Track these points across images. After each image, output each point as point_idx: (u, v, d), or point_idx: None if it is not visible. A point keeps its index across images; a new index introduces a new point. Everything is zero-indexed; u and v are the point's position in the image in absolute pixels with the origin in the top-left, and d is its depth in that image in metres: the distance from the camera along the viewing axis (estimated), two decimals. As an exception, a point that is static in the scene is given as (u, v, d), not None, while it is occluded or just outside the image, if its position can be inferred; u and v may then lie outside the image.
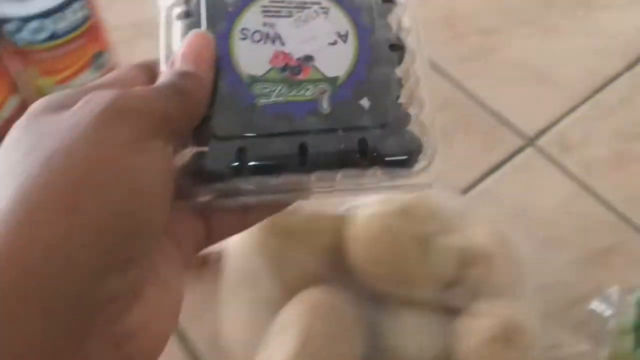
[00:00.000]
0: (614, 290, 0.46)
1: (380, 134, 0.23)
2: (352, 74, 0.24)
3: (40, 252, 0.16)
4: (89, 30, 0.54)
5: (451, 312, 0.37)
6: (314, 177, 0.23)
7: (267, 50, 0.24)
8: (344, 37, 0.24)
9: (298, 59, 0.24)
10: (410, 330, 0.36)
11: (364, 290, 0.37)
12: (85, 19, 0.53)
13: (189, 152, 0.23)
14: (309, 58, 0.24)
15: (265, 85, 0.23)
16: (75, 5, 0.52)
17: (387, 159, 0.23)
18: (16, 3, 0.51)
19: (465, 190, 0.55)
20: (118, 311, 0.18)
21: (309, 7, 0.24)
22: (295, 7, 0.24)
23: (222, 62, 0.23)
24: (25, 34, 0.51)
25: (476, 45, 0.67)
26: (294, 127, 0.23)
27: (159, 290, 0.20)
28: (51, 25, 0.51)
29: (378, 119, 0.23)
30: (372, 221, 0.37)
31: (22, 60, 0.55)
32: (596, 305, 0.47)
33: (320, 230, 0.39)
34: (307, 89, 0.23)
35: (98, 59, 0.57)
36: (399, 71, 0.24)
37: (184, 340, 0.48)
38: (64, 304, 0.16)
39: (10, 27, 0.51)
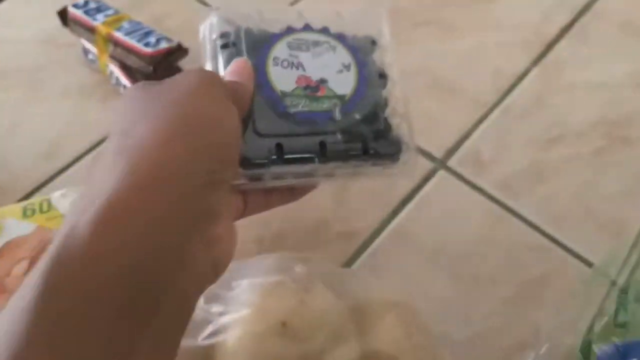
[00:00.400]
0: (545, 347, 0.41)
1: (375, 137, 0.34)
2: (355, 93, 0.35)
3: (170, 165, 0.24)
4: None
5: None
6: (328, 166, 0.33)
7: (293, 74, 0.34)
8: (347, 67, 0.35)
9: (316, 81, 0.34)
10: None
11: None
12: None
13: None
14: (324, 80, 0.34)
15: (293, 99, 0.33)
16: None
17: (380, 155, 0.34)
18: None
19: (375, 235, 0.49)
20: (210, 220, 0.26)
21: (321, 45, 0.35)
22: (312, 44, 0.35)
23: (260, 81, 0.33)
24: None
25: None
26: (316, 129, 0.33)
27: (228, 217, 0.28)
28: None
29: (373, 126, 0.34)
30: (246, 346, 0.29)
31: None
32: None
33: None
34: (324, 102, 0.34)
35: None
36: (384, 92, 0.35)
37: None
38: (179, 207, 0.24)
39: None
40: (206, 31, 0.34)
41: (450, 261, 0.48)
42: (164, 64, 0.53)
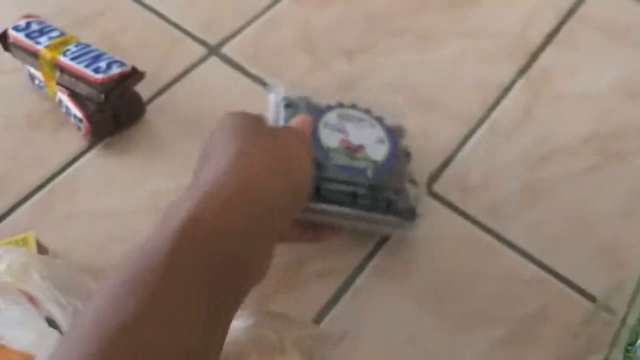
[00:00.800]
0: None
1: (398, 197, 0.43)
2: (385, 161, 0.44)
3: (274, 189, 0.33)
4: None
5: None
6: (355, 212, 0.42)
7: (339, 136, 0.44)
8: (382, 142, 0.45)
9: (355, 145, 0.44)
10: None
11: None
12: None
13: None
14: (362, 147, 0.44)
15: (335, 154, 0.43)
16: None
17: (399, 212, 0.44)
18: None
19: (356, 273, 0.45)
20: (279, 237, 0.35)
21: (364, 121, 0.46)
22: (356, 119, 0.46)
23: (312, 136, 0.42)
24: None
25: (343, 72, 0.56)
26: (350, 179, 0.42)
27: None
28: None
29: (397, 188, 0.44)
30: None
31: None
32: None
33: None
34: (360, 162, 0.43)
35: None
36: (407, 167, 0.46)
37: None
38: (272, 220, 0.33)
39: None
40: (272, 97, 0.47)
41: (437, 298, 0.44)
42: (117, 90, 0.48)
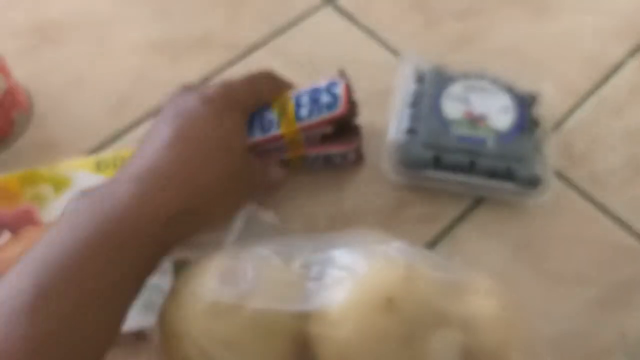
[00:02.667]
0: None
1: (519, 166, 0.46)
2: (509, 130, 0.47)
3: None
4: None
5: None
6: (474, 180, 0.47)
7: (461, 107, 0.48)
8: (506, 110, 0.48)
9: (478, 115, 0.48)
10: None
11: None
12: None
13: (395, 146, 0.48)
14: (485, 116, 0.48)
15: (457, 125, 0.47)
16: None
17: (520, 179, 0.46)
18: None
19: (454, 222, 0.48)
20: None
21: (489, 91, 0.49)
22: (481, 89, 0.49)
23: (435, 108, 0.48)
24: None
25: (454, 33, 0.59)
26: (470, 148, 0.46)
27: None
28: None
29: (519, 157, 0.46)
30: (349, 317, 0.29)
31: None
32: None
33: (273, 335, 0.30)
34: (481, 131, 0.47)
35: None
36: (534, 136, 0.48)
37: None
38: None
39: None
40: (403, 70, 0.51)
41: (534, 256, 0.47)
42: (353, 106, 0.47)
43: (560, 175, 0.51)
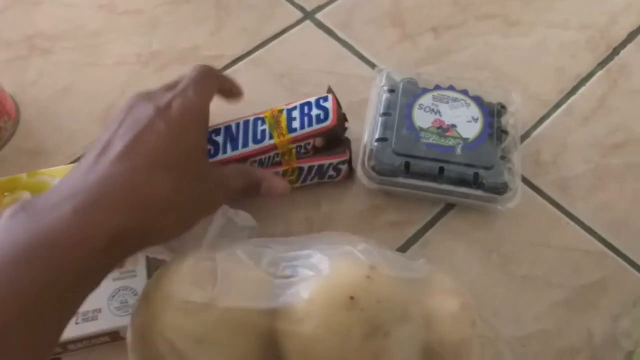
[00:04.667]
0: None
1: (486, 173, 0.46)
2: (476, 139, 0.47)
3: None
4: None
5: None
6: (443, 186, 0.46)
7: (431, 117, 0.48)
8: (475, 120, 0.48)
9: (447, 125, 0.48)
10: None
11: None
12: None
13: (368, 153, 0.48)
14: (453, 125, 0.48)
15: (426, 133, 0.47)
16: None
17: (487, 186, 0.46)
18: None
19: (427, 226, 0.48)
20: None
21: (458, 101, 0.49)
22: (451, 99, 0.50)
23: (406, 117, 0.48)
24: None
25: (428, 47, 0.59)
26: (439, 157, 0.46)
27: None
28: None
29: (486, 164, 0.46)
30: (313, 314, 0.29)
31: None
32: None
33: (242, 331, 0.30)
34: (450, 140, 0.47)
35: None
36: (503, 145, 0.48)
37: None
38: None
39: None
40: (378, 82, 0.52)
41: (502, 260, 0.47)
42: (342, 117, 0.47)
43: (528, 182, 0.51)
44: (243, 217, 0.39)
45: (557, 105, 0.55)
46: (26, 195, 0.45)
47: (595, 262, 0.47)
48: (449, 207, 0.49)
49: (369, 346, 0.28)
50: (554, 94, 0.56)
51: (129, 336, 0.32)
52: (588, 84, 0.57)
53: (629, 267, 0.47)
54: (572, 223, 0.49)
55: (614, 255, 0.47)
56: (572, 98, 0.56)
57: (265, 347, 0.30)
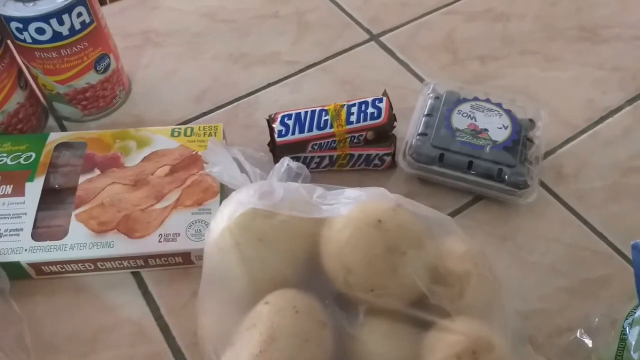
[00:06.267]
0: (598, 321, 0.44)
1: (509, 170, 0.53)
2: (504, 142, 0.54)
3: None
4: (92, 34, 0.55)
5: (421, 325, 0.35)
6: (470, 177, 0.53)
7: (467, 121, 0.56)
8: (505, 127, 0.55)
9: (480, 129, 0.55)
10: (380, 339, 0.34)
11: (333, 294, 0.36)
12: (88, 24, 0.55)
13: (410, 145, 0.55)
14: (485, 129, 0.55)
15: (461, 133, 0.55)
16: (77, 10, 0.53)
17: (508, 181, 0.53)
18: (22, 4, 0.52)
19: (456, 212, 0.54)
20: None
21: (492, 111, 0.57)
22: (486, 109, 0.57)
23: (445, 119, 0.56)
24: (28, 34, 0.53)
25: (474, 72, 0.67)
26: (469, 152, 0.53)
27: None
28: (53, 27, 0.52)
29: (510, 163, 0.53)
30: (347, 227, 0.36)
31: (27, 59, 0.56)
32: (580, 334, 0.46)
33: (295, 234, 0.37)
34: (481, 141, 0.54)
35: (101, 62, 0.58)
36: (528, 151, 0.55)
37: (167, 334, 0.47)
38: None
39: (15, 26, 0.52)
40: (425, 91, 0.60)
41: (516, 247, 0.52)
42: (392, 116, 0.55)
43: (548, 189, 0.56)
44: (298, 166, 0.46)
45: (584, 131, 0.61)
46: (133, 144, 0.55)
47: (601, 261, 0.52)
48: (476, 199, 0.55)
49: (389, 259, 0.35)
50: (581, 121, 0.62)
51: (206, 238, 0.40)
52: (616, 116, 0.63)
53: (631, 268, 0.51)
54: (583, 226, 0.54)
55: (620, 258, 0.52)
56: (599, 126, 0.62)
57: (310, 247, 0.37)
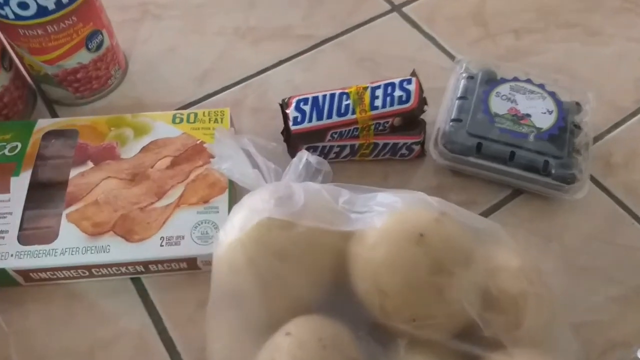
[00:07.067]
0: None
1: (556, 162, 0.46)
2: (550, 129, 0.47)
3: None
4: (81, 8, 0.48)
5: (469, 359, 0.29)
6: (512, 170, 0.46)
7: (507, 105, 0.48)
8: (550, 112, 0.48)
9: (522, 114, 0.47)
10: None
11: (366, 323, 0.30)
12: (77, -6, 0.47)
13: (442, 133, 0.48)
14: (528, 115, 0.47)
15: (501, 119, 0.47)
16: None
17: (555, 175, 0.46)
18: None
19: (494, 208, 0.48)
20: None
21: (535, 93, 0.49)
22: (528, 91, 0.49)
23: (482, 102, 0.48)
24: (10, 9, 0.45)
25: (508, 47, 0.59)
26: (511, 141, 0.46)
27: None
28: (38, 0, 0.45)
29: (556, 154, 0.46)
30: (383, 243, 0.30)
31: (11, 37, 0.49)
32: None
33: (319, 250, 0.31)
34: (523, 128, 0.47)
35: (93, 39, 0.51)
36: (575, 139, 0.47)
37: (172, 350, 0.41)
38: None
39: (-7, -2, 0.45)
40: (457, 70, 0.52)
41: (563, 250, 0.46)
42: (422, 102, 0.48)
43: (596, 181, 0.49)
44: (319, 161, 0.40)
45: (634, 114, 0.54)
46: (130, 132, 0.48)
47: (657, 264, 0.45)
48: (516, 193, 0.49)
49: (434, 281, 0.29)
50: (630, 103, 0.55)
51: (214, 251, 0.34)
52: (666, 97, 0.56)
53: (692, 273, 0.45)
54: (637, 224, 0.47)
55: (678, 261, 0.46)
56: (649, 109, 0.55)
57: (338, 266, 0.31)
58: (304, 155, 0.38)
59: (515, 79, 0.50)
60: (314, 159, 0.39)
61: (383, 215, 0.31)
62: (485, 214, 0.48)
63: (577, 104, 0.50)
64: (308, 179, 0.39)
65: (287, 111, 0.47)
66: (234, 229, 0.32)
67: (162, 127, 0.49)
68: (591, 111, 0.50)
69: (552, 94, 0.49)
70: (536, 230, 0.47)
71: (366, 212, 0.32)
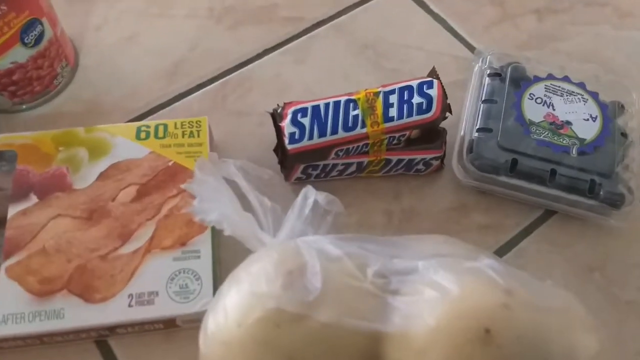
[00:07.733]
0: None
1: (603, 182, 0.38)
2: (594, 140, 0.39)
3: None
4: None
5: None
6: (551, 192, 0.39)
7: (543, 110, 0.40)
8: (594, 119, 0.40)
9: (561, 121, 0.40)
10: None
11: None
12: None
13: (467, 145, 0.40)
14: (568, 122, 0.40)
15: (538, 128, 0.40)
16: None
17: (603, 198, 0.38)
18: None
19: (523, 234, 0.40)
20: None
21: (574, 95, 0.41)
22: (566, 92, 0.41)
23: (514, 107, 0.40)
24: None
25: (531, 30, 0.50)
26: (551, 157, 0.39)
27: None
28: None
29: (604, 171, 0.39)
30: (440, 346, 0.22)
31: None
32: None
33: (343, 354, 0.23)
34: (564, 139, 0.39)
35: (30, 31, 0.40)
36: (622, 149, 0.40)
37: None
38: None
39: None
40: (479, 64, 0.43)
41: (606, 281, 0.39)
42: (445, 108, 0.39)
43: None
44: (328, 200, 0.31)
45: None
46: (84, 153, 0.38)
47: None
48: (548, 214, 0.41)
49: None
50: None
51: (201, 343, 0.26)
52: None
53: None
54: (688, 246, 0.41)
55: None
56: (691, 104, 0.47)
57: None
58: (310, 195, 0.30)
59: (551, 77, 0.42)
60: (322, 198, 0.30)
61: (432, 303, 0.22)
62: (516, 239, 0.40)
63: (621, 105, 0.42)
64: (315, 222, 0.30)
65: (282, 124, 0.38)
66: (228, 319, 0.24)
67: (124, 144, 0.39)
68: (637, 115, 0.42)
69: (595, 95, 0.41)
70: (575, 256, 0.40)
71: (408, 295, 0.23)
